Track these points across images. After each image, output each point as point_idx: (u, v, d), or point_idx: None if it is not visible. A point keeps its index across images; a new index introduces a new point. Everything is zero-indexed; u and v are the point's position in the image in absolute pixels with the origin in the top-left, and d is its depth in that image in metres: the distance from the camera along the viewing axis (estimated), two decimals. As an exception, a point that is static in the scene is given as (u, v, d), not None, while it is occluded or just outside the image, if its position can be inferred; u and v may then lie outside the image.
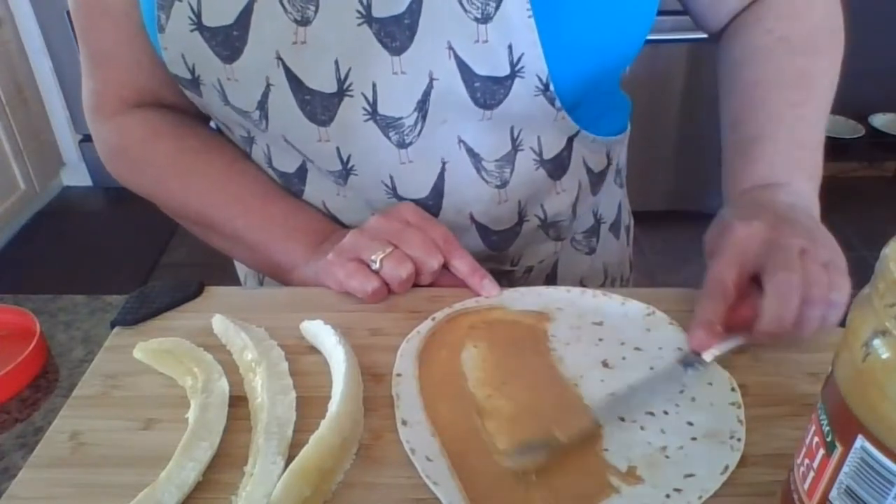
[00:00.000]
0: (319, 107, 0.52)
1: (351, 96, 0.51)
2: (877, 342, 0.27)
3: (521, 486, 0.39)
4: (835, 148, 2.43)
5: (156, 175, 0.62)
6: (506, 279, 0.65)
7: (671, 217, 2.41)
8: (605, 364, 0.48)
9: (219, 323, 0.51)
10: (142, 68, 0.58)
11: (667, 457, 0.41)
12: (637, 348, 0.49)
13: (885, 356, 0.27)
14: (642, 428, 0.43)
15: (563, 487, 0.39)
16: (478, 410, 0.44)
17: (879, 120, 2.46)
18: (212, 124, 0.66)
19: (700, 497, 0.38)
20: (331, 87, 0.51)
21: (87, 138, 2.54)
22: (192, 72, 0.53)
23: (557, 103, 0.53)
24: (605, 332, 0.51)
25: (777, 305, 0.45)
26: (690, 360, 0.47)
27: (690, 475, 0.39)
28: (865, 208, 2.48)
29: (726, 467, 0.39)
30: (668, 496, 0.38)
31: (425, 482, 0.38)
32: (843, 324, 0.30)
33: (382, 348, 0.50)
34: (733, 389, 0.45)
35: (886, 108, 2.48)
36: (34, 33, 2.35)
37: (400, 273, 0.52)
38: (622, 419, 0.43)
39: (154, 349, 0.49)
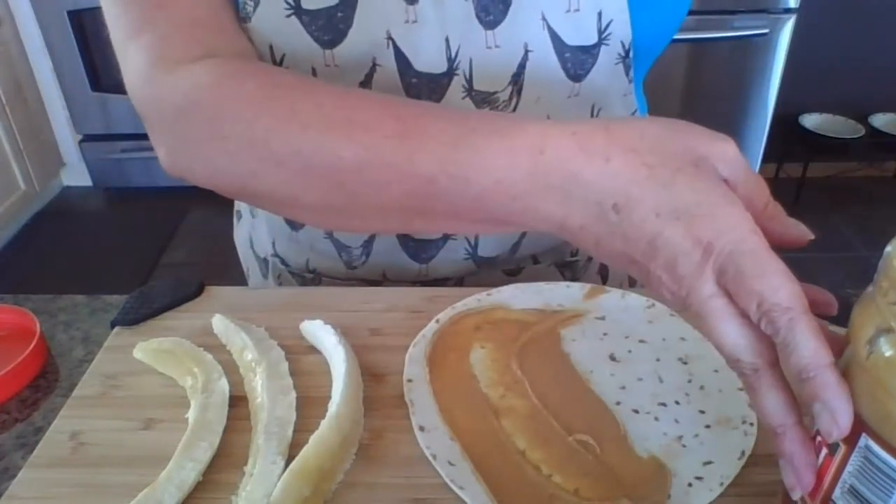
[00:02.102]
0: (426, 89, 0.50)
1: (458, 75, 0.50)
2: (881, 340, 0.27)
3: (545, 486, 0.39)
4: (835, 148, 2.43)
5: (247, 119, 0.40)
6: (569, 270, 0.64)
7: (671, 217, 2.42)
8: (612, 358, 0.48)
9: (219, 323, 0.51)
10: (198, 10, 0.46)
11: (683, 446, 0.41)
12: (642, 340, 0.50)
13: (888, 354, 0.26)
14: (656, 419, 0.43)
15: (585, 487, 0.39)
16: (493, 411, 0.44)
17: (879, 120, 2.46)
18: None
19: (721, 484, 0.38)
20: (440, 66, 0.49)
21: (87, 138, 2.54)
22: (279, 64, 0.49)
23: (631, 73, 0.53)
24: (609, 327, 0.51)
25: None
26: None
27: (709, 462, 0.40)
28: (865, 208, 2.49)
29: (742, 452, 0.40)
30: (690, 485, 0.39)
31: (450, 486, 0.38)
32: (845, 322, 0.30)
33: (382, 348, 0.49)
34: None
35: (886, 108, 2.48)
36: (34, 33, 2.35)
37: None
38: (636, 411, 0.44)
39: (154, 349, 0.49)
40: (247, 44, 0.48)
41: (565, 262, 0.64)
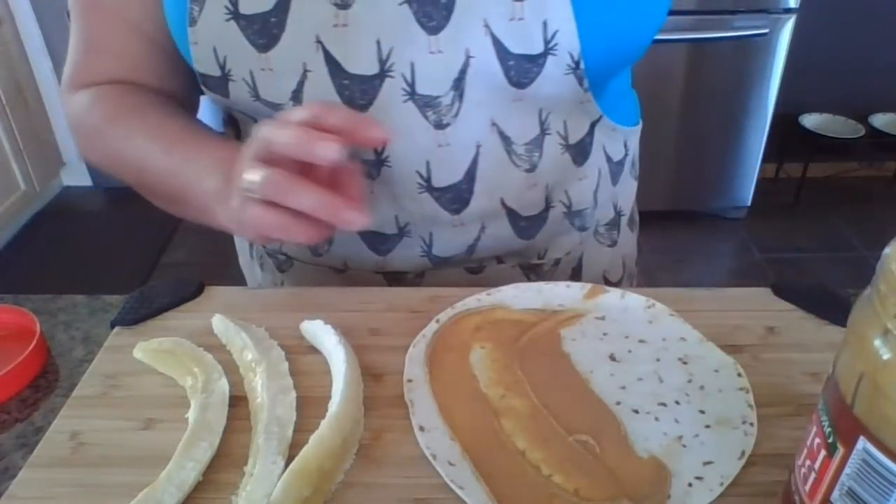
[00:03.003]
0: (358, 90, 0.51)
1: (392, 77, 0.51)
2: (878, 343, 0.27)
3: (546, 486, 0.39)
4: (835, 148, 2.43)
5: (103, 133, 0.59)
6: (534, 273, 0.65)
7: (671, 217, 2.42)
8: (612, 358, 0.48)
9: (219, 323, 0.51)
10: (122, 63, 0.60)
11: (683, 446, 0.41)
12: (641, 340, 0.50)
13: (886, 357, 0.26)
14: (656, 419, 0.43)
15: (585, 488, 0.39)
16: (493, 411, 0.44)
17: (879, 120, 2.46)
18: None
19: (721, 483, 0.39)
20: (372, 68, 0.51)
21: (87, 138, 2.54)
22: (223, 67, 0.52)
23: (585, 83, 0.53)
24: (609, 327, 0.51)
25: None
26: None
27: (709, 462, 0.40)
28: (865, 208, 2.49)
29: (743, 452, 0.40)
30: (690, 485, 0.39)
31: (450, 486, 0.38)
32: (845, 323, 0.30)
33: (382, 348, 0.50)
34: (740, 375, 0.46)
35: (886, 108, 2.49)
36: (34, 33, 2.35)
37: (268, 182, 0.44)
38: (636, 411, 0.44)
39: (154, 349, 0.49)
40: (153, 77, 0.60)
41: (530, 264, 0.65)
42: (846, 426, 0.28)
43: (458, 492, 0.38)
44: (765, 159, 2.32)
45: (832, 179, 2.61)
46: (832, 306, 0.52)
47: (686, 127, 2.27)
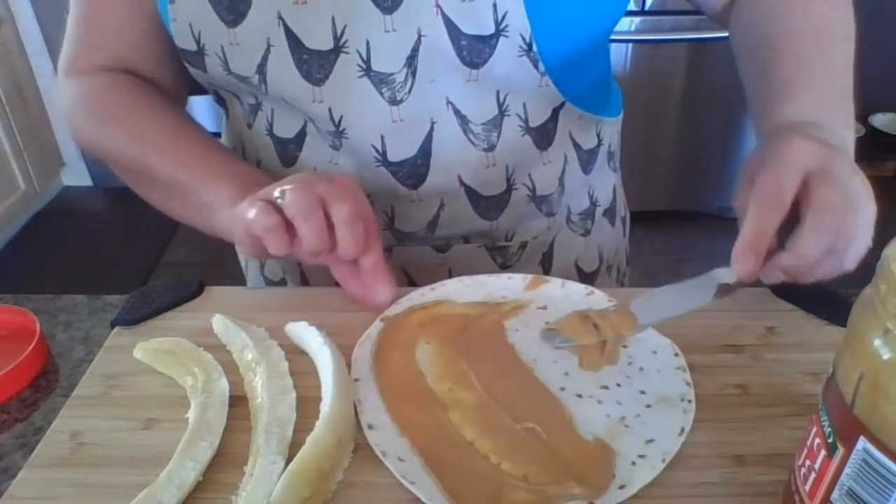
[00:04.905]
0: (316, 65, 0.54)
1: (346, 53, 0.53)
2: (878, 343, 0.27)
3: (495, 474, 0.39)
4: (835, 148, 2.43)
5: (106, 121, 0.62)
6: (500, 255, 0.67)
7: (671, 217, 2.42)
8: (555, 346, 0.49)
9: (219, 323, 0.51)
10: (124, 39, 0.61)
11: (626, 426, 0.43)
12: None
13: (886, 357, 0.26)
14: (599, 402, 0.45)
15: (533, 473, 0.39)
16: (441, 405, 0.44)
17: (879, 120, 2.47)
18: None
19: (663, 460, 0.40)
20: (327, 44, 0.53)
21: (87, 138, 2.54)
22: (198, 41, 0.55)
23: (541, 67, 0.55)
24: (551, 315, 0.52)
25: (813, 244, 0.43)
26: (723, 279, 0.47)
27: (651, 440, 0.41)
28: (865, 208, 2.48)
29: (682, 429, 0.42)
30: (633, 463, 0.40)
31: (401, 482, 0.38)
32: (845, 323, 0.30)
33: (383, 348, 0.49)
34: (676, 354, 0.48)
35: (886, 108, 2.49)
36: (34, 33, 2.35)
37: (300, 199, 0.47)
38: (579, 396, 0.45)
39: (154, 349, 0.49)
40: (149, 68, 0.62)
41: (497, 246, 0.66)
42: (846, 426, 0.28)
43: (410, 487, 0.38)
44: (765, 159, 2.32)
45: (832, 179, 2.60)
46: (832, 306, 0.52)
47: (686, 127, 2.27)
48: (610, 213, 0.75)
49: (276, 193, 0.48)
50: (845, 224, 0.44)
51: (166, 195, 0.60)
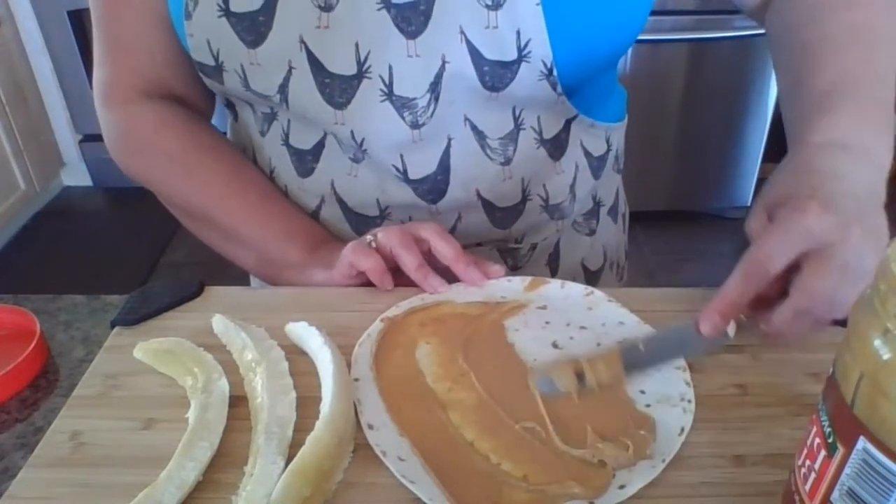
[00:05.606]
0: (338, 89, 0.54)
1: (369, 78, 0.53)
2: (878, 343, 0.27)
3: (495, 474, 0.39)
4: (835, 148, 2.43)
5: (162, 163, 0.63)
6: (511, 256, 0.67)
7: (671, 217, 2.42)
8: (554, 345, 0.49)
9: (219, 323, 0.51)
10: (155, 58, 0.61)
11: None
12: (582, 327, 0.51)
13: (886, 357, 0.26)
14: None
15: (533, 473, 0.39)
16: (441, 405, 0.44)
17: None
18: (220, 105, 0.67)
19: (663, 460, 0.40)
20: (350, 69, 0.53)
21: (87, 138, 2.54)
22: (216, 58, 0.55)
23: (559, 88, 0.55)
24: (550, 315, 0.52)
25: (788, 319, 0.43)
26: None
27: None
28: (865, 208, 2.48)
29: (682, 429, 0.42)
30: (633, 463, 0.40)
31: (401, 482, 0.38)
32: (844, 323, 0.30)
33: (383, 348, 0.49)
34: None
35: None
36: (34, 33, 2.35)
37: (392, 241, 0.54)
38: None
39: (154, 349, 0.49)
40: (182, 83, 0.63)
41: (508, 248, 0.67)
42: (846, 426, 0.28)
43: (410, 486, 0.38)
44: (765, 159, 2.32)
45: (832, 179, 2.60)
46: (832, 306, 0.52)
47: (686, 127, 2.27)
48: (613, 210, 0.75)
49: (369, 237, 0.55)
50: (831, 307, 0.42)
51: (225, 242, 0.64)
